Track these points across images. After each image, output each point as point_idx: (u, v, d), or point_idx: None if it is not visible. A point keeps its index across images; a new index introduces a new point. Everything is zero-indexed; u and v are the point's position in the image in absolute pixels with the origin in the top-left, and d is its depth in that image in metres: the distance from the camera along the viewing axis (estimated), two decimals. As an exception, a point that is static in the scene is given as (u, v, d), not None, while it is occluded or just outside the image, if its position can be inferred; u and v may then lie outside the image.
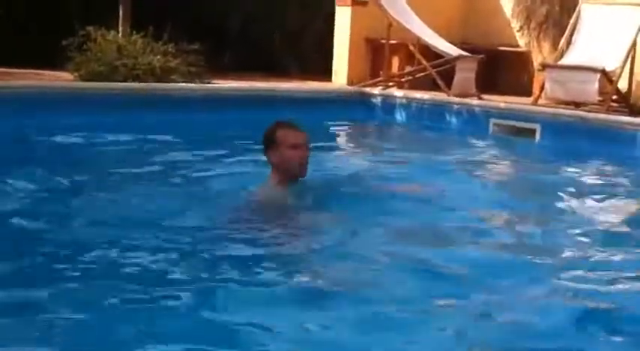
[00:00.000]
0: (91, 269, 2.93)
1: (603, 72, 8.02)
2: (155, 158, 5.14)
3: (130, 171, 4.76)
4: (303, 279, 2.94)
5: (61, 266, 2.95)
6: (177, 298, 2.68)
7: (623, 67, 8.41)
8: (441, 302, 2.77)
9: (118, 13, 8.71)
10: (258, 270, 3.01)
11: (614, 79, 8.25)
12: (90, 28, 7.99)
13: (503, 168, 5.99)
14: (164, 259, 3.05)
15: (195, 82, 7.82)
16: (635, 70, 8.80)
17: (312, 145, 3.76)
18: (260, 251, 3.22)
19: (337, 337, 2.47)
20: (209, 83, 8.05)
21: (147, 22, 8.29)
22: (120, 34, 8.44)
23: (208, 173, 4.77)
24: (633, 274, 3.22)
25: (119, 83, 7.29)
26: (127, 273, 2.90)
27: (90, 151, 5.45)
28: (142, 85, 7.24)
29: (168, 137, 5.92)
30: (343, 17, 10.17)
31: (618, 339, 2.56)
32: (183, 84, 7.54)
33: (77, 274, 2.89)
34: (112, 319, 2.52)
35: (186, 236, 3.35)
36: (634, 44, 8.44)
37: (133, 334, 2.41)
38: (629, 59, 8.50)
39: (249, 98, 7.53)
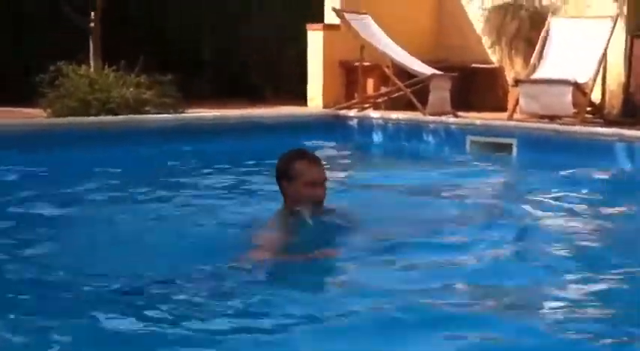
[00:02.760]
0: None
1: (576, 84, 8.09)
2: (137, 190, 5.06)
3: (113, 205, 4.67)
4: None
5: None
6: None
7: (595, 78, 8.49)
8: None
9: (89, 47, 8.68)
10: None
11: (587, 91, 8.32)
12: (61, 64, 7.94)
13: (481, 184, 5.97)
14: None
15: (169, 113, 7.78)
16: (607, 81, 8.90)
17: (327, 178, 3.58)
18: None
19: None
20: (183, 113, 8.01)
21: (118, 54, 8.27)
22: (91, 68, 8.41)
23: (194, 204, 4.69)
24: (611, 288, 3.21)
25: (92, 117, 7.23)
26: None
27: (70, 186, 5.35)
28: (116, 117, 7.19)
29: (145, 169, 5.87)
30: (316, 41, 10.20)
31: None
32: (158, 115, 7.49)
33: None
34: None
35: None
36: (605, 55, 8.52)
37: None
38: (601, 70, 8.58)
39: (225, 126, 7.50)
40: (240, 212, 4.37)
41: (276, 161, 3.59)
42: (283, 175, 3.49)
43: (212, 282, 3.00)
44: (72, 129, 6.58)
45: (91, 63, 8.60)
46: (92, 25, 8.82)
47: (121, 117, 7.23)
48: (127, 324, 2.66)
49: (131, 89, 7.90)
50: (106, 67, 8.37)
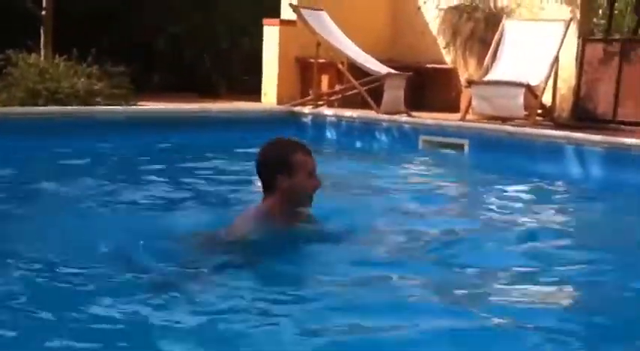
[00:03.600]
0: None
1: (528, 87, 8.17)
2: (84, 183, 4.95)
3: (56, 198, 4.55)
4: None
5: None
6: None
7: (546, 81, 8.59)
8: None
9: (40, 35, 8.51)
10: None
11: (538, 93, 8.42)
12: (10, 52, 7.76)
13: (432, 183, 6.00)
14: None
15: (120, 105, 7.65)
16: (559, 84, 9.01)
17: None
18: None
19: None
20: (135, 105, 7.90)
21: (70, 44, 8.12)
22: (42, 58, 8.24)
23: (142, 198, 4.60)
24: (555, 283, 3.23)
25: (39, 107, 7.07)
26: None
27: (11, 177, 5.23)
28: (64, 108, 7.03)
29: (90, 161, 5.76)
30: (272, 37, 10.15)
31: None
32: (107, 107, 7.36)
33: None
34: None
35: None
36: (557, 59, 8.63)
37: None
38: (553, 74, 8.69)
39: (176, 120, 7.41)
40: (189, 208, 4.31)
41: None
42: (281, 168, 3.21)
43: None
44: (18, 119, 6.42)
45: (42, 52, 8.42)
46: (44, 12, 8.63)
47: (69, 108, 7.08)
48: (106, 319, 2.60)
49: (82, 80, 7.76)
50: (57, 56, 8.22)
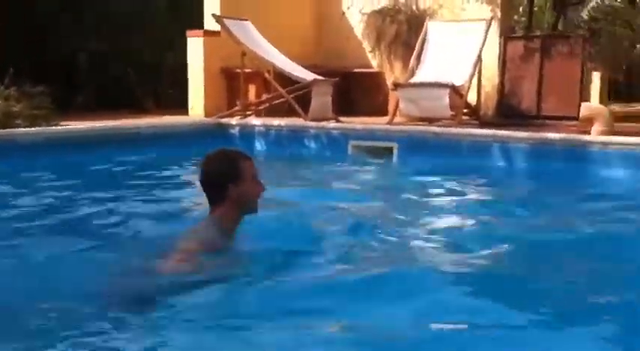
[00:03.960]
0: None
1: (452, 87, 8.25)
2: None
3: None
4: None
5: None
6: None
7: (470, 81, 8.70)
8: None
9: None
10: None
11: (463, 93, 8.51)
12: None
13: (362, 187, 6.00)
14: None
15: (41, 126, 7.45)
16: (483, 82, 9.14)
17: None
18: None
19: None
20: (56, 126, 7.70)
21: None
22: (-43, 81, 7.98)
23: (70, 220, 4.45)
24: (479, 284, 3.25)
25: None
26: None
27: None
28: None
29: (15, 185, 5.58)
30: (196, 48, 10.04)
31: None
32: (28, 128, 7.15)
33: None
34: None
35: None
36: (480, 58, 8.74)
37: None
38: (476, 73, 8.80)
39: (100, 138, 7.24)
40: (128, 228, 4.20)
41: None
42: (229, 178, 3.26)
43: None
44: None
45: (-44, 75, 8.16)
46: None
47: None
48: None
49: (-1, 102, 7.54)
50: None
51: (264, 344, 2.59)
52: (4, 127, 7.13)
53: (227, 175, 3.27)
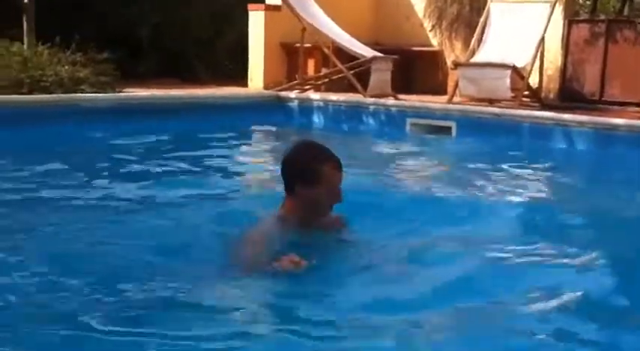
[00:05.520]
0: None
1: (514, 68, 8.16)
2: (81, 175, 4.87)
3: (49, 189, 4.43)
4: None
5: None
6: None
7: (533, 62, 8.59)
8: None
9: (22, 24, 8.42)
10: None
11: (524, 75, 8.41)
12: (-8, 40, 7.69)
13: (420, 166, 6.00)
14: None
15: (106, 92, 7.59)
16: (545, 65, 9.01)
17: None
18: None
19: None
20: (120, 92, 7.84)
21: (53, 32, 8.03)
22: (25, 46, 8.16)
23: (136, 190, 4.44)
24: (559, 262, 3.24)
25: (24, 96, 6.97)
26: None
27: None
28: (48, 96, 6.95)
29: (80, 150, 5.71)
30: (257, 22, 10.10)
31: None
32: (92, 94, 7.29)
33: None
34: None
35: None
36: (542, 40, 8.62)
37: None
38: (539, 55, 8.68)
39: (164, 106, 7.37)
40: (188, 201, 4.20)
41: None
42: (306, 176, 2.97)
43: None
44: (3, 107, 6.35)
45: (25, 40, 8.34)
46: (26, 1, 8.54)
47: (54, 95, 7.01)
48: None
49: (66, 67, 7.69)
50: (40, 44, 8.14)
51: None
52: (69, 92, 7.29)
53: (301, 172, 2.99)
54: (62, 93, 7.16)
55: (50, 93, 7.15)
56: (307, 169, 2.97)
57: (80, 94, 7.16)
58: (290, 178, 3.03)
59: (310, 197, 2.99)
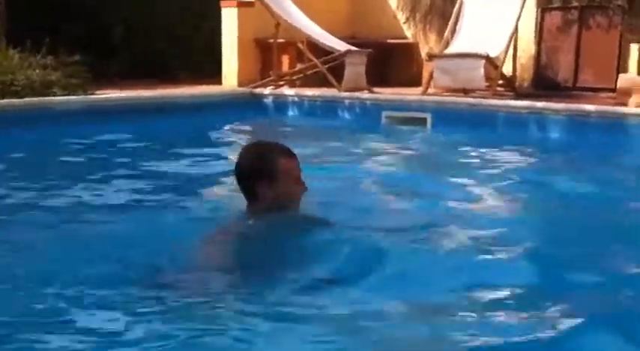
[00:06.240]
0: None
1: (488, 58, 8.16)
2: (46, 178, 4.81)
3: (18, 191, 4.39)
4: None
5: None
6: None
7: (506, 52, 8.60)
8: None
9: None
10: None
11: (498, 64, 8.42)
12: (-39, 45, 7.59)
13: (395, 158, 5.99)
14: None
15: (78, 95, 7.51)
16: (518, 53, 9.03)
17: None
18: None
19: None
20: (92, 95, 7.76)
21: (24, 35, 7.94)
22: (-5, 50, 8.07)
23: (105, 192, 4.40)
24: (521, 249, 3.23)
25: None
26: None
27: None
28: (18, 100, 6.86)
29: (52, 153, 5.64)
30: (230, 18, 10.03)
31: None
32: (64, 97, 7.21)
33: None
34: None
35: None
36: (516, 29, 8.63)
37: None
38: (512, 44, 8.69)
39: (136, 107, 7.31)
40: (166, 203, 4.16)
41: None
42: (265, 175, 2.90)
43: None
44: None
45: (-6, 44, 8.25)
46: (-4, 5, 8.46)
47: (24, 100, 6.93)
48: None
49: (37, 71, 7.60)
50: (11, 48, 8.04)
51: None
52: (41, 96, 7.21)
53: (259, 172, 2.92)
54: (33, 97, 7.08)
55: (21, 97, 7.06)
56: (265, 168, 2.92)
57: (51, 97, 7.07)
58: (249, 182, 2.96)
59: (275, 194, 2.92)
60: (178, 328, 2.40)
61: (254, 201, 2.98)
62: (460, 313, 2.55)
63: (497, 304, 2.65)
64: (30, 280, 2.80)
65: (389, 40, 10.52)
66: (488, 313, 2.57)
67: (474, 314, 2.54)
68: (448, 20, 9.18)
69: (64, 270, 2.88)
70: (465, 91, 8.35)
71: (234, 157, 6.09)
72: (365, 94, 8.29)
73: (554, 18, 9.29)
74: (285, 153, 2.97)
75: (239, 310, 2.52)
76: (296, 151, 3.07)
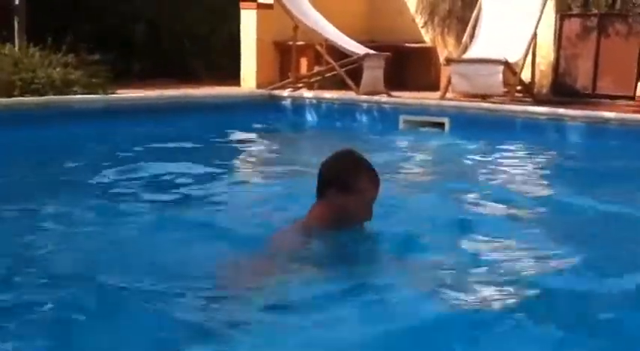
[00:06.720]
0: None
1: (506, 64, 8.16)
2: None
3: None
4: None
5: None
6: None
7: (525, 58, 8.58)
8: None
9: (13, 25, 8.39)
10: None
11: (517, 70, 8.41)
12: (-17, 42, 7.66)
13: (413, 162, 6.00)
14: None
15: (98, 93, 7.57)
16: (537, 60, 9.01)
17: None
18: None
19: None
20: (113, 94, 7.81)
21: (45, 33, 8.01)
22: (16, 48, 8.13)
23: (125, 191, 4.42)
24: (545, 254, 3.23)
25: (12, 99, 6.89)
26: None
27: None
28: (38, 98, 6.90)
29: (71, 152, 5.69)
30: (249, 20, 10.08)
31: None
32: (85, 96, 7.26)
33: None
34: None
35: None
36: (535, 35, 8.62)
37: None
38: (531, 50, 8.68)
39: (156, 107, 7.35)
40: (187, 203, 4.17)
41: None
42: (343, 186, 2.87)
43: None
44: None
45: (16, 42, 8.31)
46: (17, 2, 8.51)
47: (44, 97, 6.97)
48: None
49: (58, 69, 7.66)
50: (32, 46, 8.11)
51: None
52: (61, 94, 7.26)
53: (339, 180, 2.88)
54: (54, 95, 7.13)
55: (42, 95, 7.12)
56: (346, 176, 2.89)
57: (72, 96, 7.12)
58: (325, 182, 2.92)
59: (342, 205, 2.89)
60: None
61: (320, 202, 2.95)
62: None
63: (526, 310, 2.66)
64: (69, 278, 2.83)
65: (407, 44, 10.53)
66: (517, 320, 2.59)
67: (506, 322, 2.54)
68: (467, 25, 9.18)
69: (94, 269, 2.93)
70: (483, 97, 8.35)
71: (249, 158, 6.21)
72: (383, 98, 8.30)
73: (573, 25, 9.27)
74: (373, 177, 2.91)
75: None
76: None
